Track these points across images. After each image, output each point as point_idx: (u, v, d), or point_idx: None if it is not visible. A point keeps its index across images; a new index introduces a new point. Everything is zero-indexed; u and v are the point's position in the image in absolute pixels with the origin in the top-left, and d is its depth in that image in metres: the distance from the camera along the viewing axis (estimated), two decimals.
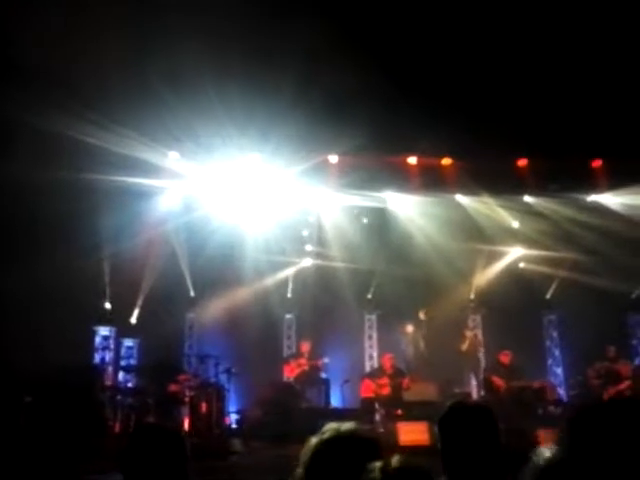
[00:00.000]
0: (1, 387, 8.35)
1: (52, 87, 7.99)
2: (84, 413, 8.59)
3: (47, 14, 6.99)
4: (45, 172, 8.42)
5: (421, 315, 12.35)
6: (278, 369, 12.26)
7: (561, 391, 13.15)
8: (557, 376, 13.68)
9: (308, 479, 1.97)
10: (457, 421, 2.65)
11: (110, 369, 11.84)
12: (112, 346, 12.17)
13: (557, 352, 13.95)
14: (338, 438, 2.00)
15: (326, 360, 11.80)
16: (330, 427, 2.05)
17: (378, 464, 1.68)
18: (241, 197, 11.64)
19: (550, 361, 13.93)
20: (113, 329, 12.24)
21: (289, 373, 11.80)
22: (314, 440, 2.03)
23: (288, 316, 13.64)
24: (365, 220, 12.76)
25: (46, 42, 6.99)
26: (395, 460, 1.68)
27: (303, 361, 11.70)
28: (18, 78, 7.87)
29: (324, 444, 2.01)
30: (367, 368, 13.30)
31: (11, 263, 9.61)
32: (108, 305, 12.00)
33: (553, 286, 13.54)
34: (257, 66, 7.89)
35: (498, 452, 2.56)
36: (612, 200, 12.17)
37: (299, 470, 2.00)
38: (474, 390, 12.46)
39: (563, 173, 11.51)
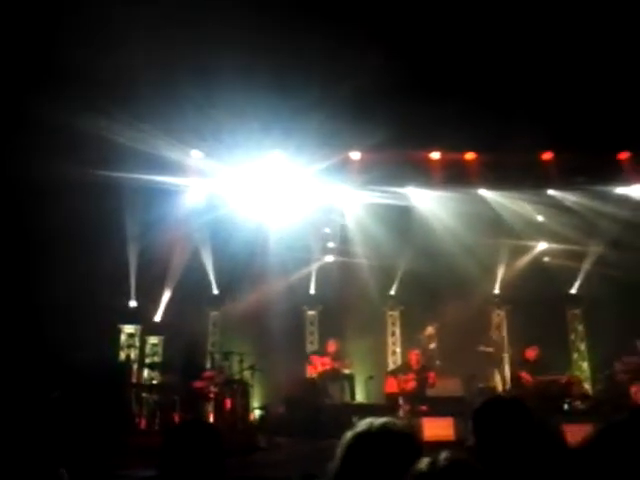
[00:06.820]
0: (30, 382, 8.45)
1: (79, 85, 8.05)
2: (111, 410, 8.67)
3: (76, 14, 7.04)
4: (70, 170, 8.49)
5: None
6: (302, 365, 12.29)
7: (587, 386, 13.02)
8: (583, 371, 13.55)
9: (343, 472, 1.99)
10: (493, 415, 2.65)
11: (135, 366, 11.96)
12: (137, 344, 12.31)
13: (582, 346, 13.81)
14: (371, 432, 2.02)
15: (350, 364, 11.78)
16: (365, 422, 2.07)
17: (427, 459, 1.68)
18: (264, 194, 11.67)
19: (575, 355, 13.80)
20: (138, 327, 12.39)
21: (313, 372, 11.81)
22: (349, 434, 2.05)
23: (311, 312, 13.67)
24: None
25: (75, 41, 7.05)
26: (444, 455, 1.68)
27: (327, 360, 11.67)
28: (45, 77, 7.94)
29: (357, 437, 2.03)
30: (390, 364, 13.27)
31: (39, 262, 9.73)
32: (133, 303, 12.12)
33: (578, 280, 13.40)
34: (280, 64, 7.89)
35: (535, 444, 2.55)
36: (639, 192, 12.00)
37: (334, 463, 2.02)
38: (499, 385, 12.40)
39: (589, 166, 11.36)
